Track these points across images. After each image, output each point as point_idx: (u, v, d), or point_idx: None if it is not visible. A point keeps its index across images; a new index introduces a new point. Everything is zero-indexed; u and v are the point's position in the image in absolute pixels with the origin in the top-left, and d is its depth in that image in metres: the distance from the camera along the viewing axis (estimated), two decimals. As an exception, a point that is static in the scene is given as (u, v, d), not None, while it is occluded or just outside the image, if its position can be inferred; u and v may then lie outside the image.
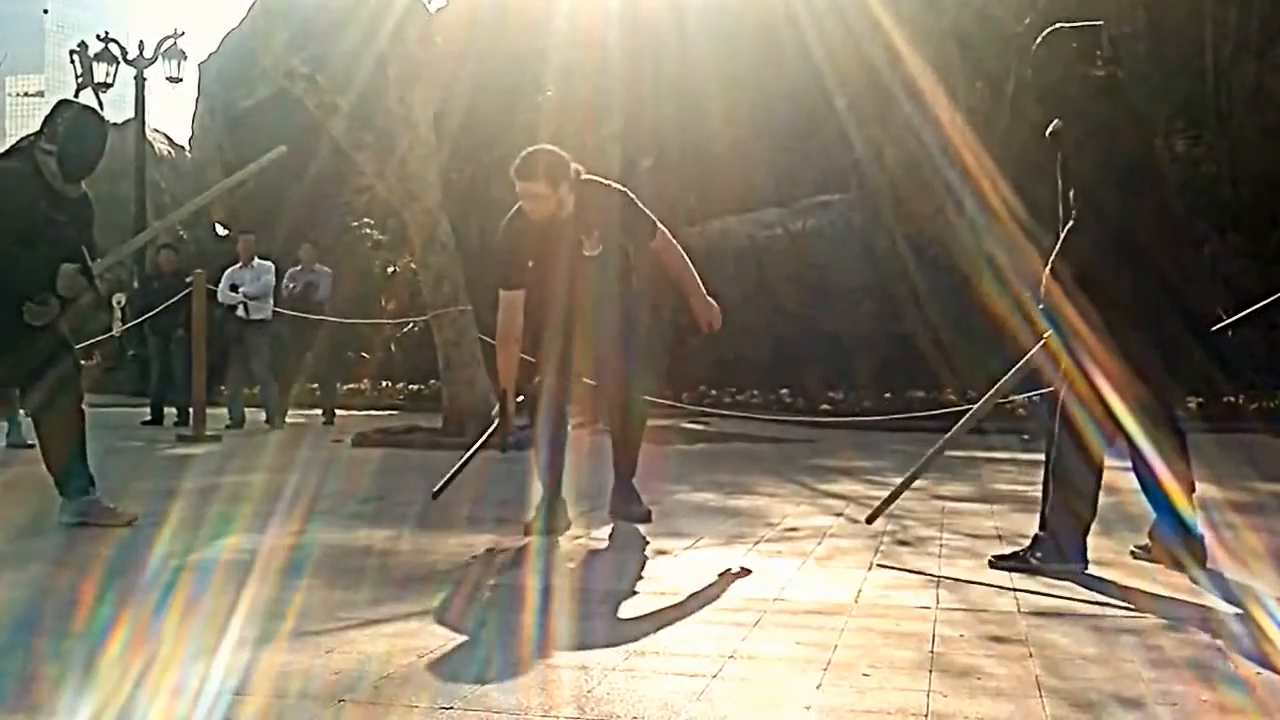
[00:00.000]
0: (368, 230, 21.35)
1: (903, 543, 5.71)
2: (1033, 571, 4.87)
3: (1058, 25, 5.07)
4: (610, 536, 5.96)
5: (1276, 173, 15.17)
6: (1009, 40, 16.21)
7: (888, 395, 15.02)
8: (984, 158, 13.99)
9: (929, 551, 5.46)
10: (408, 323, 17.86)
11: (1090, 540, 5.03)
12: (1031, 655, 3.55)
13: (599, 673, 3.34)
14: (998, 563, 5.05)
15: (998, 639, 3.79)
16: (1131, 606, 4.27)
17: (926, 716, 2.96)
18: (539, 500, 6.09)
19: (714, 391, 16.33)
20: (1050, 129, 5.01)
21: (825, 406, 15.16)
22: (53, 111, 6.28)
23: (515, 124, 17.26)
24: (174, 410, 14.78)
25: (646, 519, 6.23)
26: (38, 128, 6.30)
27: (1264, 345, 13.11)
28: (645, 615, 4.17)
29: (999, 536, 5.75)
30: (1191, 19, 16.21)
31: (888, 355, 15.58)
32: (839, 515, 6.62)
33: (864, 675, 3.32)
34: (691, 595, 4.51)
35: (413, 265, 15.42)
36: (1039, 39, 5.08)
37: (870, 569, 4.99)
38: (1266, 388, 13.77)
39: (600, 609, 4.28)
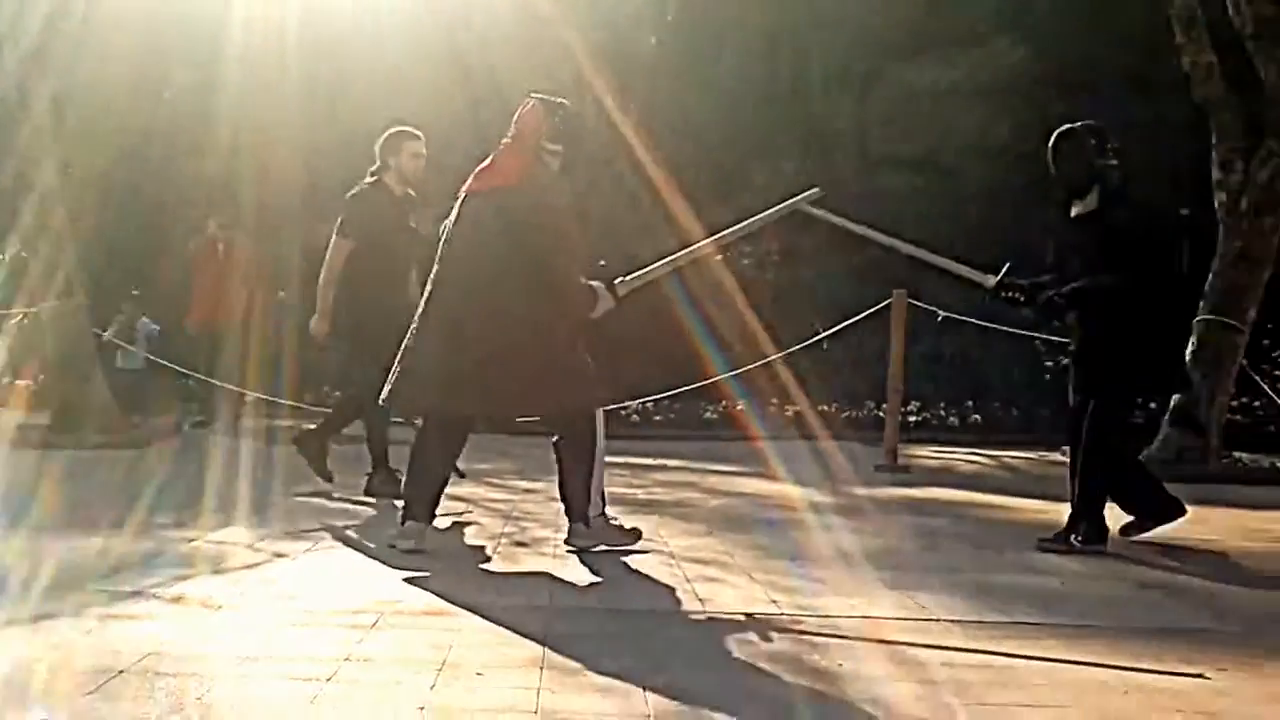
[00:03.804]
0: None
1: (520, 544, 6.07)
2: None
3: (1068, 126, 6.35)
4: (222, 540, 6.00)
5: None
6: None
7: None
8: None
9: (543, 552, 5.83)
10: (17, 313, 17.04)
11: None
12: (642, 649, 3.90)
13: (206, 680, 3.44)
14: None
15: (613, 636, 4.12)
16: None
17: (535, 712, 3.22)
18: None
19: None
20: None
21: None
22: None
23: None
24: None
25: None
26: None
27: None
28: (258, 620, 4.27)
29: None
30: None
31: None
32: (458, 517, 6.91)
33: (477, 675, 3.58)
34: (310, 598, 4.66)
35: (22, 253, 14.85)
36: (1057, 134, 6.35)
37: (489, 571, 5.30)
38: None
39: (211, 615, 4.35)
